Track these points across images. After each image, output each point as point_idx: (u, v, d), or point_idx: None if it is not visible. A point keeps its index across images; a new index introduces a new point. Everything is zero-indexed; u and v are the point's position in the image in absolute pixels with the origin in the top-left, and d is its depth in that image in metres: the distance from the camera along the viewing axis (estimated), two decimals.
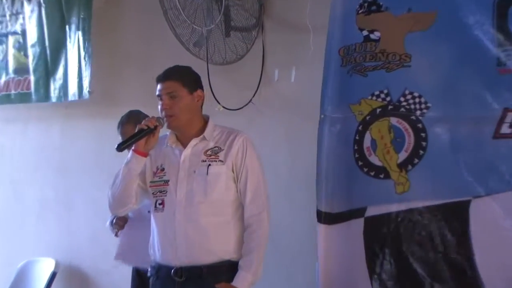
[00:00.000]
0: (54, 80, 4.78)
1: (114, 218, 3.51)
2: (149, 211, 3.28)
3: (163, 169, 2.80)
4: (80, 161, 4.84)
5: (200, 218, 2.70)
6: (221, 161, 2.73)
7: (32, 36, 4.90)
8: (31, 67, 4.91)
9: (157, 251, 2.80)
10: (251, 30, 3.80)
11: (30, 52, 4.92)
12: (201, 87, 2.83)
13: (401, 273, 2.80)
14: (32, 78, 4.90)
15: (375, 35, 2.89)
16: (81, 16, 4.53)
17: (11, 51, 5.06)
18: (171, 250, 2.73)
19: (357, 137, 2.91)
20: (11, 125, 5.33)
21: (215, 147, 2.76)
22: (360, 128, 2.91)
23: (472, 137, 2.68)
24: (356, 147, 2.91)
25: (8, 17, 5.04)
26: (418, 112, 2.78)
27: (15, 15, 5.00)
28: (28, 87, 4.94)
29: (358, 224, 2.88)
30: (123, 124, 3.47)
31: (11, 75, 5.05)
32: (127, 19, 4.56)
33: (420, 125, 2.78)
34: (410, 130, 2.79)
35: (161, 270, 2.78)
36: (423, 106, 2.77)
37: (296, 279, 3.66)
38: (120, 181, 2.79)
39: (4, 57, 5.10)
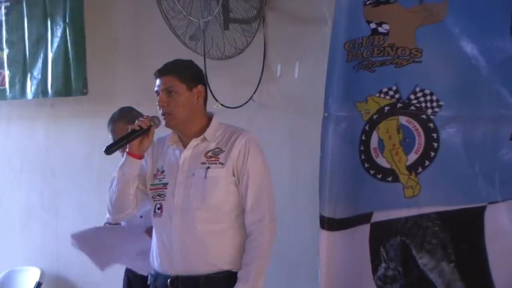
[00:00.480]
0: (32, 76, 4.79)
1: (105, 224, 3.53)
2: (141, 216, 3.31)
3: (163, 171, 2.79)
4: (67, 163, 4.86)
5: (196, 225, 2.67)
6: (221, 163, 2.70)
7: (9, 28, 4.91)
8: (6, 61, 4.93)
9: (155, 259, 2.79)
10: (252, 22, 3.80)
11: (6, 45, 4.94)
12: (203, 83, 2.80)
13: (410, 283, 2.78)
14: (7, 73, 4.93)
15: (383, 28, 2.86)
16: (69, 6, 4.55)
17: None
18: (167, 258, 2.72)
19: (363, 137, 2.89)
20: None
21: (216, 148, 2.74)
22: (366, 127, 2.88)
23: (488, 138, 2.65)
24: (362, 148, 2.88)
25: None
26: (429, 111, 2.76)
27: None
28: (3, 83, 4.96)
29: (363, 231, 2.86)
30: (114, 122, 3.46)
31: None
32: (117, 9, 4.60)
33: (431, 125, 2.75)
34: (420, 130, 2.77)
35: (158, 278, 2.78)
36: (434, 104, 2.75)
37: (298, 286, 3.69)
38: (115, 185, 2.78)
39: None
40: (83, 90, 4.53)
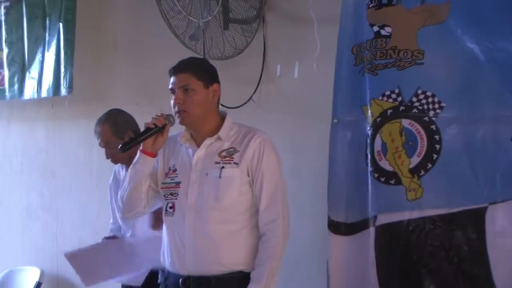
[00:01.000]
0: (30, 76, 4.78)
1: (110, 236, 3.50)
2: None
3: (175, 170, 2.76)
4: (67, 164, 4.86)
5: (209, 225, 2.65)
6: (235, 163, 2.67)
7: (8, 28, 4.90)
8: (5, 61, 4.92)
9: (166, 258, 2.76)
10: (252, 22, 3.79)
11: (5, 45, 4.92)
12: (218, 81, 2.77)
13: (413, 286, 2.78)
14: (6, 73, 4.91)
15: (385, 31, 2.86)
16: (64, 6, 4.52)
17: None
18: (179, 258, 2.70)
19: (368, 141, 2.89)
20: None
21: (230, 148, 2.71)
22: (371, 131, 2.89)
23: (489, 139, 2.66)
24: (367, 152, 2.89)
25: None
26: (431, 113, 2.76)
27: None
28: (2, 83, 4.95)
29: (369, 234, 2.86)
30: (99, 125, 3.46)
31: None
32: (117, 9, 4.58)
33: (433, 127, 2.76)
34: (423, 132, 2.77)
35: (169, 278, 2.75)
36: (436, 106, 2.75)
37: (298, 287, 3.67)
38: (127, 183, 2.76)
39: None
40: (69, 89, 4.49)
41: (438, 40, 2.76)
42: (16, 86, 4.85)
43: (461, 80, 2.73)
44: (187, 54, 3.72)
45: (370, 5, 2.90)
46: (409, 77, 2.81)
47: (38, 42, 4.73)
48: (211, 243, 2.65)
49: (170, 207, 2.74)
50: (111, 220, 3.64)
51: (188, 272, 2.68)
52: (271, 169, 2.70)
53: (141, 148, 2.72)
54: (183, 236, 2.68)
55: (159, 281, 2.84)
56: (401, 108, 2.83)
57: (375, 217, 2.86)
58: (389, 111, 2.85)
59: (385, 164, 2.85)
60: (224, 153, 2.70)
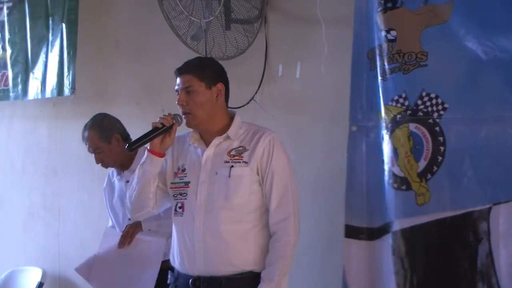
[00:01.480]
0: (34, 76, 4.77)
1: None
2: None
3: (184, 170, 2.75)
4: (69, 163, 4.84)
5: (219, 225, 2.63)
6: (245, 162, 2.66)
7: (11, 28, 4.89)
8: (9, 61, 4.90)
9: (176, 258, 2.75)
10: (253, 22, 3.78)
11: (8, 45, 4.91)
12: (223, 81, 2.75)
13: None
14: (10, 73, 4.89)
15: (391, 35, 2.85)
16: (67, 6, 4.51)
17: None
18: (189, 258, 2.68)
19: (383, 147, 2.89)
20: None
21: (239, 147, 2.69)
22: (385, 137, 2.89)
23: (492, 139, 2.65)
24: (382, 158, 2.89)
25: None
26: (435, 114, 2.75)
27: None
28: (6, 84, 4.93)
29: (387, 240, 2.86)
30: (87, 129, 3.48)
31: None
32: (119, 9, 4.57)
33: (437, 128, 2.75)
34: (428, 135, 2.77)
35: (179, 278, 2.74)
36: (440, 107, 2.74)
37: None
38: (135, 183, 2.75)
39: None
40: (72, 89, 4.48)
41: (441, 41, 2.76)
42: (20, 87, 4.83)
43: (463, 80, 2.72)
44: (189, 54, 3.71)
45: (379, 9, 2.88)
46: (414, 80, 2.81)
47: (41, 43, 4.71)
48: (221, 243, 2.63)
49: (180, 207, 2.73)
50: (109, 223, 3.64)
51: (198, 272, 2.67)
52: (281, 167, 2.68)
53: (148, 148, 2.71)
54: (193, 236, 2.67)
55: (168, 281, 2.83)
56: (408, 112, 2.83)
57: (392, 223, 2.85)
58: (397, 116, 2.85)
59: (396, 170, 2.84)
60: (233, 152, 2.69)
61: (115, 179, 3.57)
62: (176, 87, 2.71)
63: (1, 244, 5.20)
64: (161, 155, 2.71)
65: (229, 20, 3.76)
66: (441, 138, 2.74)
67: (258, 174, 2.67)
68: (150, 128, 2.70)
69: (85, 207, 4.69)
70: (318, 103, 3.70)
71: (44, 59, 4.69)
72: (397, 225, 2.83)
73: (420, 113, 2.78)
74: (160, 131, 2.67)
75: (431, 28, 2.77)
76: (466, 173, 2.68)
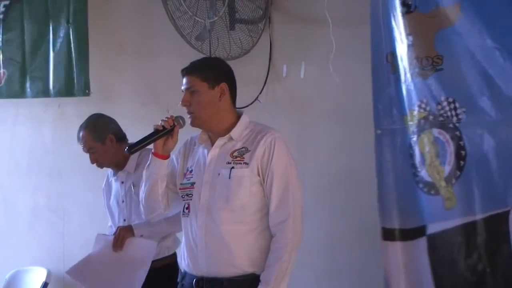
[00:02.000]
0: (32, 75, 4.77)
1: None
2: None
3: (191, 171, 2.75)
4: (74, 164, 4.83)
5: (220, 226, 2.62)
6: (245, 163, 2.63)
7: (7, 27, 4.87)
8: (1, 60, 4.89)
9: (182, 258, 2.76)
10: (258, 22, 3.79)
11: (2, 44, 4.89)
12: (227, 81, 2.73)
13: None
14: (2, 72, 4.88)
15: (409, 40, 2.83)
16: (72, 7, 4.52)
17: None
18: (193, 259, 2.69)
19: (411, 151, 2.88)
20: None
21: (242, 148, 2.67)
22: (411, 141, 2.87)
23: (509, 140, 2.63)
24: (411, 162, 2.87)
25: None
26: (454, 119, 2.72)
27: None
28: None
29: (422, 242, 2.83)
30: (82, 130, 3.49)
31: None
32: (123, 9, 4.58)
33: (457, 133, 2.72)
34: (450, 140, 2.74)
35: (186, 278, 2.75)
36: (458, 111, 2.72)
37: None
38: (144, 185, 2.77)
39: None
40: (86, 91, 4.52)
41: (452, 43, 2.72)
42: (15, 85, 4.83)
43: (476, 83, 2.69)
44: (193, 54, 3.71)
45: (394, 13, 2.88)
46: (433, 85, 2.77)
47: (40, 43, 4.71)
48: (222, 244, 2.62)
49: (186, 208, 2.73)
50: (109, 223, 3.65)
51: (202, 273, 2.67)
52: (281, 168, 2.64)
53: (152, 150, 2.72)
54: (196, 237, 2.67)
55: (178, 280, 2.83)
56: (430, 117, 2.80)
57: (426, 227, 2.83)
58: (422, 121, 2.82)
59: (425, 175, 2.81)
60: (235, 153, 2.67)
61: (112, 179, 3.59)
62: (182, 87, 2.71)
63: (6, 244, 5.20)
64: (165, 157, 2.72)
65: (233, 20, 3.76)
66: (461, 143, 2.71)
67: (259, 175, 2.64)
68: (152, 130, 2.71)
69: (90, 208, 4.68)
70: (322, 103, 3.70)
71: (45, 59, 4.69)
72: (430, 229, 2.81)
73: (441, 118, 2.76)
74: (161, 134, 2.68)
75: (443, 31, 2.74)
76: (486, 175, 2.66)
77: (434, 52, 2.76)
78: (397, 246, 2.91)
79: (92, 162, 3.50)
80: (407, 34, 2.84)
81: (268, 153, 2.64)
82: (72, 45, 4.54)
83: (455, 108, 2.73)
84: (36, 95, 4.77)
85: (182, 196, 2.75)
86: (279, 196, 2.63)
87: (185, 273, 2.76)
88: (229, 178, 2.63)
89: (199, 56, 3.71)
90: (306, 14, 3.73)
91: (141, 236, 3.36)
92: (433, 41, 2.76)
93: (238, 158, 2.66)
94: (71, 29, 4.55)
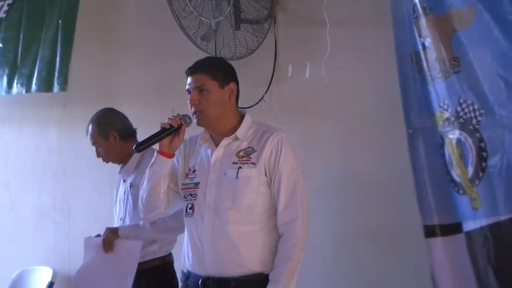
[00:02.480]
0: (21, 72, 4.79)
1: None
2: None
3: (194, 171, 2.75)
4: (79, 163, 4.85)
5: (227, 226, 2.62)
6: (253, 163, 2.64)
7: (8, 26, 4.90)
8: None
9: (186, 258, 2.76)
10: (263, 22, 3.78)
11: (1, 42, 4.92)
12: (234, 80, 2.76)
13: None
14: None
15: (427, 42, 2.85)
16: (65, 3, 4.53)
17: None
18: (198, 258, 2.69)
19: (441, 151, 2.89)
20: (4, 125, 5.36)
21: (248, 147, 2.68)
22: (440, 141, 2.89)
23: None
24: (443, 161, 2.89)
25: None
26: (474, 121, 2.73)
27: None
28: None
29: (461, 239, 2.84)
30: (89, 123, 3.53)
31: None
32: (129, 9, 4.58)
33: (478, 135, 2.73)
34: (471, 142, 2.75)
35: (190, 278, 2.75)
36: (477, 113, 2.73)
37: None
38: (146, 184, 2.76)
39: None
40: (63, 86, 4.50)
41: (468, 45, 2.73)
42: (3, 82, 4.85)
43: (493, 83, 2.68)
44: (199, 54, 3.71)
45: (414, 16, 2.89)
46: (452, 87, 2.79)
47: (33, 40, 4.73)
48: (230, 244, 2.62)
49: (190, 208, 2.74)
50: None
51: (208, 273, 2.67)
52: (289, 168, 2.66)
53: (157, 149, 2.72)
54: (202, 237, 2.67)
55: (180, 281, 2.84)
56: (452, 119, 2.82)
57: (461, 224, 2.84)
58: (446, 122, 2.84)
59: (454, 175, 2.84)
60: (242, 153, 2.68)
61: (119, 176, 3.62)
62: (188, 87, 2.71)
63: (12, 244, 5.21)
64: (170, 155, 2.72)
65: (238, 20, 3.76)
66: (482, 144, 2.72)
67: (266, 175, 2.65)
68: (159, 129, 2.71)
69: (95, 208, 4.69)
70: (328, 103, 3.70)
71: (34, 56, 4.70)
72: (465, 227, 2.82)
73: (461, 120, 2.77)
74: (168, 132, 2.68)
75: (458, 33, 2.75)
76: (508, 177, 2.66)
77: (451, 54, 2.77)
78: (439, 242, 2.91)
79: (98, 156, 3.52)
80: (425, 36, 2.85)
81: (275, 153, 2.65)
82: (59, 42, 4.54)
83: (474, 110, 2.73)
84: (20, 91, 4.77)
85: (184, 196, 2.76)
86: (288, 196, 2.64)
87: (189, 273, 2.76)
88: (237, 178, 2.64)
89: (204, 56, 3.71)
90: (311, 14, 3.72)
91: (127, 238, 3.38)
92: (449, 43, 2.77)
93: (245, 158, 2.67)
94: (60, 26, 4.54)
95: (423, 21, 2.86)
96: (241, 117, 2.76)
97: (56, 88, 4.54)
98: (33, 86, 4.68)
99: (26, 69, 4.76)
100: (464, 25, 2.73)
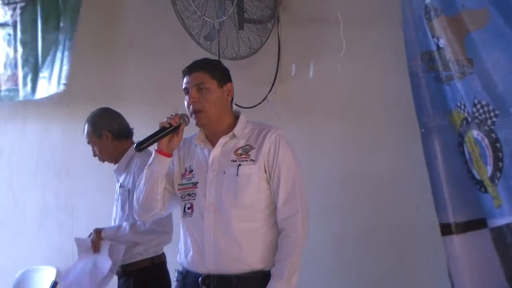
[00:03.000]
0: (42, 75, 4.80)
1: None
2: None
3: (191, 171, 2.76)
4: (82, 163, 4.85)
5: (230, 224, 2.64)
6: (252, 160, 2.66)
7: (23, 28, 4.90)
8: (19, 61, 4.92)
9: (184, 257, 2.76)
10: (266, 22, 3.78)
11: (20, 45, 4.93)
12: (231, 81, 2.78)
13: None
14: (20, 73, 4.91)
15: (441, 43, 2.86)
16: (72, 4, 4.55)
17: (1, 44, 5.05)
18: (199, 256, 2.69)
19: (460, 149, 2.90)
20: (8, 125, 5.37)
21: (246, 145, 2.70)
22: (459, 139, 2.90)
23: None
24: (463, 159, 2.90)
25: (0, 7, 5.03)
26: (489, 122, 2.76)
27: (8, 4, 4.99)
28: (16, 83, 4.95)
29: (486, 234, 2.85)
30: (85, 122, 3.55)
31: (1, 70, 5.05)
32: (132, 9, 4.59)
33: (493, 135, 2.75)
34: (487, 142, 2.78)
35: (188, 276, 2.75)
36: (492, 114, 2.75)
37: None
38: (143, 184, 2.76)
39: None
40: (63, 84, 4.54)
41: (482, 46, 2.75)
42: (28, 86, 4.85)
43: (507, 84, 2.70)
44: (202, 54, 3.71)
45: (426, 16, 2.90)
46: (467, 87, 2.81)
47: (52, 42, 4.73)
48: (232, 241, 2.63)
49: (188, 208, 2.74)
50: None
51: (208, 270, 2.67)
52: (287, 163, 2.68)
53: (156, 148, 2.72)
54: (203, 236, 2.67)
55: (175, 279, 2.84)
56: (469, 119, 2.83)
57: (485, 220, 2.85)
58: (464, 122, 2.86)
59: (475, 173, 2.86)
60: (240, 151, 2.70)
61: (115, 176, 3.64)
62: (185, 85, 2.71)
63: (16, 243, 5.23)
64: (169, 155, 2.72)
65: (242, 20, 3.76)
66: (498, 145, 2.74)
67: (265, 172, 2.67)
68: (158, 128, 2.72)
69: (98, 207, 4.70)
70: (332, 102, 3.70)
71: (52, 58, 4.71)
72: (490, 224, 2.83)
73: (477, 120, 2.79)
74: (168, 131, 2.69)
75: (472, 34, 2.76)
76: None
77: (465, 55, 2.79)
78: (459, 239, 2.92)
79: (94, 155, 3.56)
80: (439, 37, 2.86)
81: (274, 150, 2.67)
82: (66, 41, 4.57)
83: (489, 111, 2.75)
84: (42, 94, 4.78)
85: (182, 197, 2.76)
86: (287, 191, 2.66)
87: (187, 271, 2.76)
88: (237, 175, 2.65)
89: (208, 55, 3.72)
90: (314, 14, 3.73)
91: (111, 240, 3.41)
92: (463, 44, 2.79)
93: (244, 156, 2.69)
94: (68, 26, 4.58)
95: (435, 21, 2.86)
96: (236, 116, 2.78)
97: (60, 87, 4.56)
98: (51, 89, 4.68)
99: (46, 72, 4.77)
100: (478, 26, 2.75)
